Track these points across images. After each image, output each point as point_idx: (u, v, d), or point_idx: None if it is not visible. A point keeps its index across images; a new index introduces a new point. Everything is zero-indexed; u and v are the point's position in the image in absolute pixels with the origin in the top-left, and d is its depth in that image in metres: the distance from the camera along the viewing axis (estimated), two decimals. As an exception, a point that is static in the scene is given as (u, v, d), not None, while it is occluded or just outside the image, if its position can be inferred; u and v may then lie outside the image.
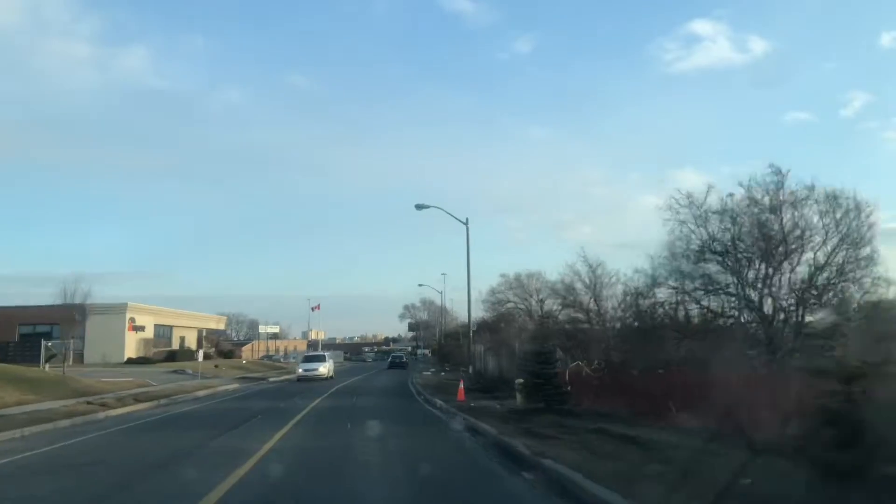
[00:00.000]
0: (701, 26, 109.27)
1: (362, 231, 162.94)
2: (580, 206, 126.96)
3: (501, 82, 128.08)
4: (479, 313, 60.95)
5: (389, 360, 79.90)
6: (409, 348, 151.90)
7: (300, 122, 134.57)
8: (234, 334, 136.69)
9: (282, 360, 76.99)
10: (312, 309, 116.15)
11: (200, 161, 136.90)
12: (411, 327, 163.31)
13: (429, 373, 44.66)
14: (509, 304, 55.01)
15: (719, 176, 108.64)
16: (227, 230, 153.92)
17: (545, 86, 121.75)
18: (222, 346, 67.57)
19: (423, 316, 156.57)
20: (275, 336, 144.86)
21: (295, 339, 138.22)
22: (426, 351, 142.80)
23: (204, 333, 63.60)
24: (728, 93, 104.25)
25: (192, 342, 61.00)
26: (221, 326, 68.51)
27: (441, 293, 62.17)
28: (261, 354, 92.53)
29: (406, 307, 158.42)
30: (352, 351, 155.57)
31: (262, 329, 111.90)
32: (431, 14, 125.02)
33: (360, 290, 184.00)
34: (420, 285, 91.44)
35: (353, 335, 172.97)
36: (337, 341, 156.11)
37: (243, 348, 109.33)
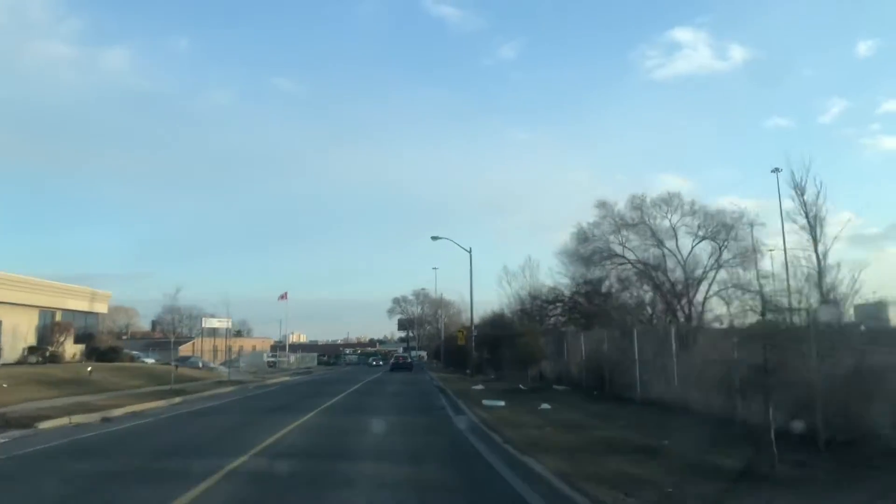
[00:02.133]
0: (682, 34, 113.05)
1: (348, 233, 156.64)
2: (565, 208, 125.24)
3: (487, 86, 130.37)
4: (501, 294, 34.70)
5: (392, 361, 66.66)
6: (400, 350, 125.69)
7: (285, 125, 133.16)
8: (186, 330, 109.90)
9: (201, 365, 49.83)
10: (279, 298, 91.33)
11: (185, 163, 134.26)
12: (401, 325, 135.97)
13: (498, 403, 16.92)
14: (620, 263, 28.18)
15: (699, 180, 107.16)
16: (211, 233, 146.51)
17: (530, 91, 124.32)
18: (102, 341, 40.31)
19: (417, 311, 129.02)
20: (238, 333, 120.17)
21: (264, 338, 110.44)
22: (422, 353, 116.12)
23: (56, 318, 36.14)
24: (709, 99, 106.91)
25: (27, 332, 33.91)
26: (99, 308, 41.01)
27: (469, 251, 35.27)
28: (194, 355, 65.20)
29: (396, 301, 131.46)
30: (330, 353, 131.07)
31: (206, 323, 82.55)
32: (417, 19, 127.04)
33: (346, 293, 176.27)
34: (434, 269, 72.09)
35: (337, 338, 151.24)
36: (320, 343, 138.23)
37: (182, 347, 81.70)
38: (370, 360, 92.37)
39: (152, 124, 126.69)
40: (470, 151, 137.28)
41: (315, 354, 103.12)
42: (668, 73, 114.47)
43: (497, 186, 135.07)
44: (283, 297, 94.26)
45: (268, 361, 68.88)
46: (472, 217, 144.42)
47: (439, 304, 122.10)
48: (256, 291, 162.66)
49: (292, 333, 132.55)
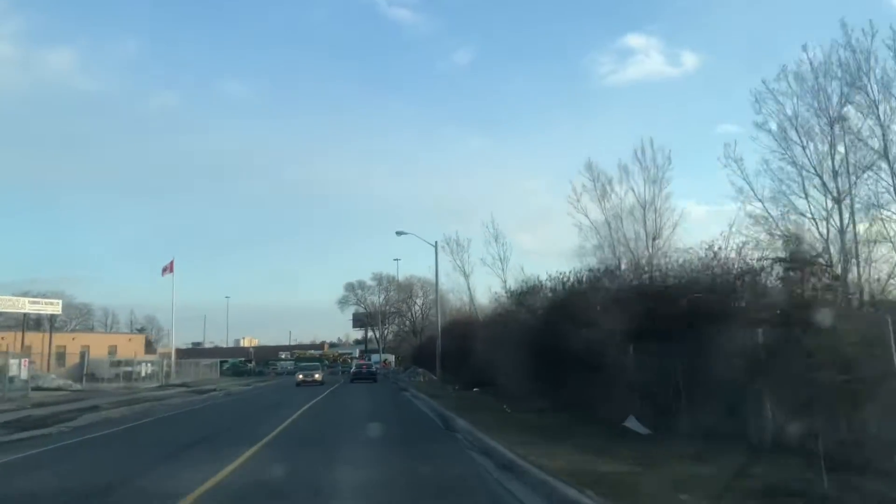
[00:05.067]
0: (635, 40, 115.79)
1: (301, 239, 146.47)
2: (519, 214, 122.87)
3: (441, 92, 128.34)
4: None
5: (353, 370, 53.65)
6: (356, 352, 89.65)
7: (236, 129, 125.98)
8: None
9: None
10: (163, 272, 58.24)
11: (126, 167, 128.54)
12: (358, 321, 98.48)
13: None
14: None
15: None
16: (155, 238, 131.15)
17: (484, 96, 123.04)
18: None
19: (378, 300, 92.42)
20: (141, 330, 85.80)
21: (132, 335, 73.14)
22: (388, 358, 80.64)
23: None
24: (662, 105, 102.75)
25: None
26: None
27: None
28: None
29: (349, 287, 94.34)
30: (260, 358, 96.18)
31: (5, 306, 45.88)
32: (371, 22, 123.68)
33: (301, 297, 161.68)
34: (399, 233, 40.10)
35: (290, 342, 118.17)
36: (268, 347, 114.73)
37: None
38: (298, 372, 49.63)
39: (97, 128, 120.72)
40: (424, 156, 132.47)
41: (216, 361, 65.97)
42: (621, 79, 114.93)
43: (452, 192, 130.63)
44: (168, 269, 59.31)
45: (60, 385, 32.00)
46: (428, 221, 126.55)
47: (410, 288, 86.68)
48: (208, 299, 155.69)
49: (244, 338, 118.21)
